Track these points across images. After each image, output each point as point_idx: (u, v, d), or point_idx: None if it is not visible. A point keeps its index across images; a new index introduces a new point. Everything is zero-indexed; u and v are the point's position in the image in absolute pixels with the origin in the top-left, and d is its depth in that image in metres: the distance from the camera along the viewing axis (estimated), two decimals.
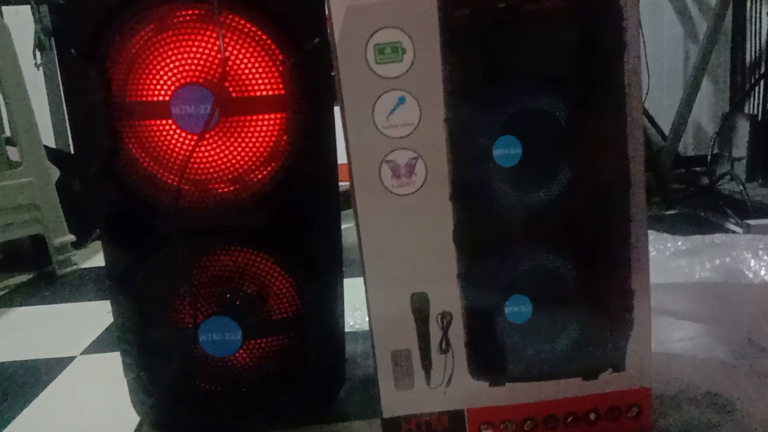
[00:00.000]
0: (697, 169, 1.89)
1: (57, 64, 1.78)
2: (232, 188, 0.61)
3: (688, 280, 0.90)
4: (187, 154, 0.59)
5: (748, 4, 1.83)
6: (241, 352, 0.66)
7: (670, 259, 0.96)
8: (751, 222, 1.29)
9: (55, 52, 1.76)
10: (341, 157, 0.62)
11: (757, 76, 1.81)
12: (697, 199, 1.61)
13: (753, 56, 1.83)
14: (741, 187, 1.47)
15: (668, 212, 1.55)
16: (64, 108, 1.86)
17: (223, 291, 0.64)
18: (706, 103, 1.99)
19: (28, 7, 1.68)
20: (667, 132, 1.79)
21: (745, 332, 0.77)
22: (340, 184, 0.65)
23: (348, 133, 0.58)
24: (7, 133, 1.54)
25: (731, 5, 1.68)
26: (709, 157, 1.65)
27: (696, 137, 2.03)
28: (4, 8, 1.76)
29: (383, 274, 0.60)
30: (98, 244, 1.63)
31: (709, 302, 0.84)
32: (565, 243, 0.61)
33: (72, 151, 1.85)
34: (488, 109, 0.58)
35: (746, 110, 1.76)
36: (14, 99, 1.36)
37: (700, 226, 1.40)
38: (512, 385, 0.62)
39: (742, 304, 0.82)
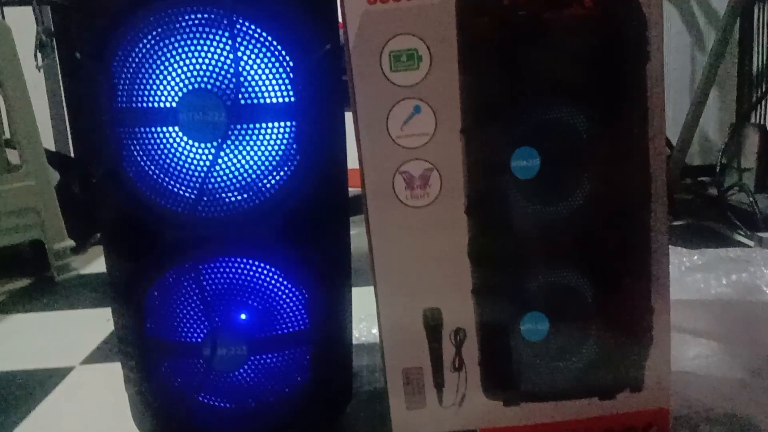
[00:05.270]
0: (704, 179, 1.88)
1: (58, 66, 1.77)
2: (241, 196, 0.59)
3: (704, 296, 0.89)
4: (205, 164, 0.57)
5: (756, 15, 1.82)
6: (246, 366, 0.64)
7: (685, 273, 0.94)
8: (763, 235, 1.27)
9: (56, 54, 1.74)
10: (351, 163, 0.60)
11: (765, 87, 1.79)
12: (706, 211, 1.60)
13: (761, 66, 1.82)
14: (750, 199, 1.45)
15: (675, 223, 1.54)
16: (65, 111, 1.84)
17: (229, 303, 0.62)
18: (713, 112, 1.97)
19: (30, 8, 1.66)
20: (674, 141, 1.78)
21: (763, 350, 0.75)
22: (349, 189, 0.63)
23: (361, 143, 0.56)
24: (7, 135, 1.53)
25: (739, 16, 1.67)
26: (717, 168, 1.64)
27: (702, 146, 2.02)
28: (6, 9, 1.75)
29: (395, 288, 0.58)
30: (97, 249, 1.63)
31: (726, 319, 0.82)
32: (584, 258, 0.59)
33: (72, 155, 1.83)
34: (506, 119, 0.56)
35: (754, 120, 1.75)
36: (15, 101, 1.34)
37: (709, 238, 1.38)
38: (527, 405, 0.60)
39: (760, 321, 0.80)
